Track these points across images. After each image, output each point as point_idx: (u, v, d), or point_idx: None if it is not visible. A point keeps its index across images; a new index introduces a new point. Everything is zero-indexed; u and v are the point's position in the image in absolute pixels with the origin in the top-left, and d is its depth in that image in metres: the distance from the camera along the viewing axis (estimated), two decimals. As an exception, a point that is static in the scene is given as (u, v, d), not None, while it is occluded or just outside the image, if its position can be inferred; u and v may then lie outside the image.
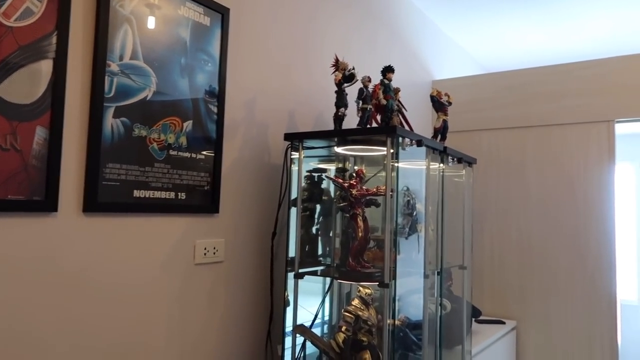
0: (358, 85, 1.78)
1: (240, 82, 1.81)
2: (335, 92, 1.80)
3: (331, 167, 2.07)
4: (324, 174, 1.87)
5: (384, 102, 1.81)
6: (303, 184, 2.01)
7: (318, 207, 2.01)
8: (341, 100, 1.79)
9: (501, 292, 3.02)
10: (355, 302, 1.77)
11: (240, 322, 1.78)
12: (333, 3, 2.36)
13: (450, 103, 2.31)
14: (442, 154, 2.01)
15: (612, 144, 2.75)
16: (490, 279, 3.05)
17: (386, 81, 1.84)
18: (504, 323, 2.87)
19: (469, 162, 2.30)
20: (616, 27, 3.44)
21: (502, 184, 3.05)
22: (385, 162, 1.61)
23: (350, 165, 2.08)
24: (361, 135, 1.67)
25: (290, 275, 1.77)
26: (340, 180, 1.76)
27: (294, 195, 1.85)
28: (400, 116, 2.09)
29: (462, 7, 3.23)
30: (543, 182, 2.92)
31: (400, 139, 1.62)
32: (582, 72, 2.84)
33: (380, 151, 1.83)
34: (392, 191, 1.73)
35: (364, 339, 1.74)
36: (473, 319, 2.66)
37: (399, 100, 2.06)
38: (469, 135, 3.18)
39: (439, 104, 2.26)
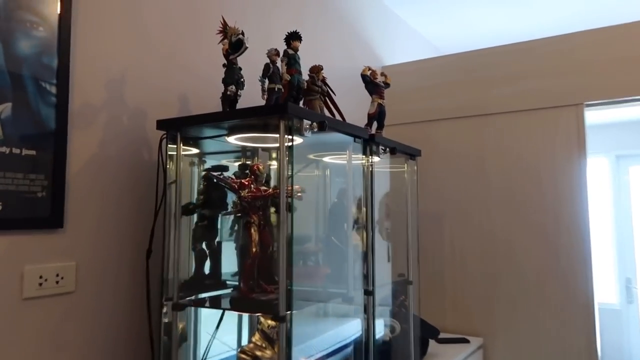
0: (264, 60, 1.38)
1: (99, 53, 1.39)
2: (223, 65, 1.39)
3: (236, 164, 1.66)
4: (215, 173, 1.45)
5: (287, 77, 1.40)
6: (200, 186, 1.60)
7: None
8: (230, 76, 1.38)
9: (464, 305, 2.63)
10: (256, 337, 1.36)
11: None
12: (243, -33, 1.95)
13: (387, 84, 1.92)
14: (369, 143, 1.60)
15: (582, 131, 2.38)
16: (452, 290, 2.66)
17: (290, 51, 1.43)
18: (467, 341, 2.47)
19: (411, 154, 1.91)
20: (586, 2, 3.09)
21: (460, 180, 2.66)
22: (277, 153, 1.20)
23: (258, 161, 1.67)
24: (241, 118, 1.26)
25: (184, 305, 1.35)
26: (231, 180, 1.35)
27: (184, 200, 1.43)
28: (328, 100, 1.69)
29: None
30: (506, 177, 2.54)
31: (297, 121, 1.21)
32: (546, 50, 2.47)
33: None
34: (299, 191, 1.32)
35: (266, 384, 1.33)
36: (430, 339, 2.26)
37: (323, 82, 1.66)
38: (421, 126, 2.79)
39: (372, 85, 1.86)
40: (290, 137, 1.19)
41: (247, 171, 1.48)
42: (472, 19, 3.34)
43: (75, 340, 1.28)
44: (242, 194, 1.29)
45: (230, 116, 1.28)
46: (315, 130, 1.24)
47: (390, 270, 2.00)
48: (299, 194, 1.36)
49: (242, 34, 1.35)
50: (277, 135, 1.18)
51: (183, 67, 1.65)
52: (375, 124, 1.82)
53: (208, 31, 1.72)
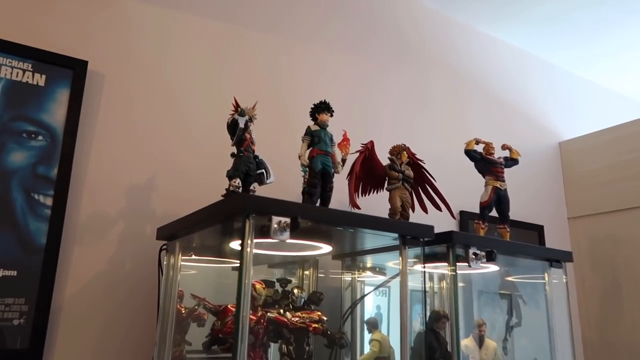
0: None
1: (100, 164, 1.25)
2: (232, 155, 1.11)
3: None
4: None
5: (304, 161, 1.04)
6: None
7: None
8: (235, 167, 1.08)
9: None
10: None
11: None
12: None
13: (514, 160, 1.39)
14: (450, 245, 1.09)
15: None
16: None
17: (315, 127, 1.08)
18: None
19: (552, 259, 1.26)
20: None
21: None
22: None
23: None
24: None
25: None
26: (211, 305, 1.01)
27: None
28: (421, 188, 1.27)
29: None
30: None
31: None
32: None
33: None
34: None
35: None
36: None
37: (414, 164, 1.27)
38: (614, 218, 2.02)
39: (484, 162, 1.35)
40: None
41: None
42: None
43: None
44: (215, 325, 0.93)
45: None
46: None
47: None
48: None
49: (240, 112, 1.06)
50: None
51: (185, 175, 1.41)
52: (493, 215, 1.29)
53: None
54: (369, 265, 1.48)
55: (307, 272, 1.36)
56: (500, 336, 1.61)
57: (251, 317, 0.92)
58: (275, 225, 0.81)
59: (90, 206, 1.21)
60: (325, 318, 1.03)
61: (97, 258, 1.19)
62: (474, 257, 1.06)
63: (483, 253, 1.06)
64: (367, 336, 1.53)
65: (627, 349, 1.95)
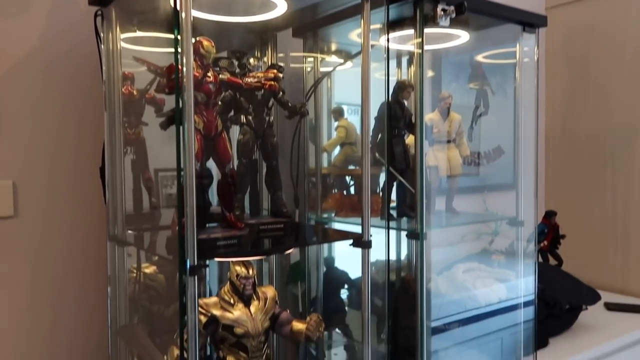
0: None
1: None
2: None
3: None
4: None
5: None
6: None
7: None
8: None
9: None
10: (225, 289, 0.97)
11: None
12: None
13: None
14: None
15: None
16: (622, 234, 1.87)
17: None
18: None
19: (523, 22, 1.19)
20: None
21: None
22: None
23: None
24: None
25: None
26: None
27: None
28: None
29: None
30: None
31: None
32: None
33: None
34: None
35: (230, 359, 0.93)
36: (585, 306, 1.55)
37: None
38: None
39: None
40: None
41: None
42: None
43: (16, 277, 1.06)
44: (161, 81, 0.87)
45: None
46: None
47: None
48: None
49: None
50: None
51: None
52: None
53: None
54: (333, 46, 1.40)
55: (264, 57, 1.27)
56: (467, 123, 1.61)
57: (196, 73, 0.85)
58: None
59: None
60: (281, 75, 0.96)
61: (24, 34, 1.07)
62: (442, 13, 0.98)
63: (452, 8, 0.97)
64: (334, 124, 1.51)
65: (586, 139, 2.01)
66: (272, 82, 0.94)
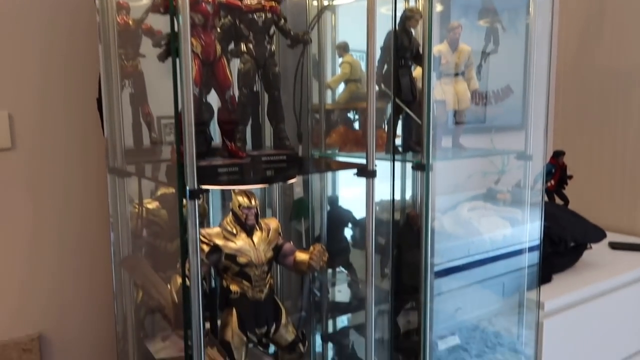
0: None
1: None
2: None
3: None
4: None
5: None
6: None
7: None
8: None
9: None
10: (228, 220, 0.95)
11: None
12: None
13: None
14: None
15: None
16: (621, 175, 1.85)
17: None
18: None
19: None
20: None
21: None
22: None
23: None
24: None
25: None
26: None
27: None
28: None
29: None
30: None
31: None
32: None
33: None
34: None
35: (234, 287, 0.93)
36: (589, 245, 1.55)
37: None
38: None
39: None
40: None
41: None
42: None
43: (17, 209, 1.05)
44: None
45: None
46: None
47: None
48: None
49: None
50: None
51: None
52: None
53: None
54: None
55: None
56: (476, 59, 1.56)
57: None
58: None
59: None
60: (283, -4, 0.92)
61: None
62: None
63: None
64: (338, 61, 1.46)
65: (599, 77, 1.95)
66: (273, 3, 0.90)
